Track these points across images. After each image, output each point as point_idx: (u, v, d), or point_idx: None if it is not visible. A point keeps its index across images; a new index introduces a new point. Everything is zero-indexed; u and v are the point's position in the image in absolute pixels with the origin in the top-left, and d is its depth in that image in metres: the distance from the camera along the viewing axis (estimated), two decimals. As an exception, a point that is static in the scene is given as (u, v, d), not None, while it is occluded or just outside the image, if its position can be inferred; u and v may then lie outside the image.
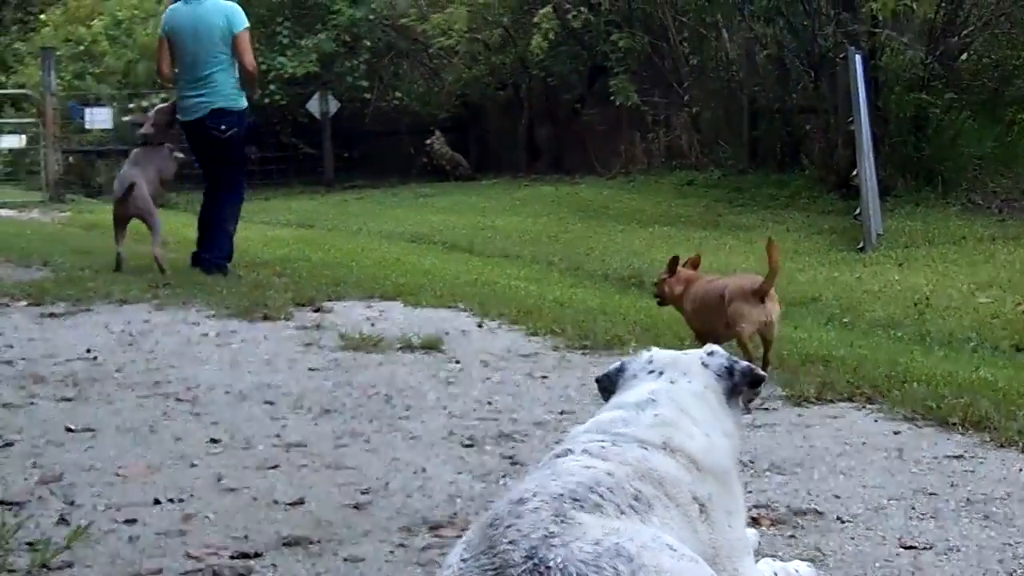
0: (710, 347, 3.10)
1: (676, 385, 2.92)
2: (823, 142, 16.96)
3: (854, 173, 12.75)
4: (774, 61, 18.83)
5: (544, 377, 6.06)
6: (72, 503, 3.96)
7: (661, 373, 2.98)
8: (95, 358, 6.55)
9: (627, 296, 9.95)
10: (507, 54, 25.07)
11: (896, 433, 4.83)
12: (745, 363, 3.03)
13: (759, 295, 5.92)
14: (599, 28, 22.31)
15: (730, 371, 2.97)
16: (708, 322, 6.19)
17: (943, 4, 16.08)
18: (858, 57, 12.74)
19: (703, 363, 2.98)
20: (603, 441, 2.76)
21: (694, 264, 6.61)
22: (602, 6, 22.00)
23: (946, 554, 3.36)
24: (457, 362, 6.48)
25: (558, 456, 2.77)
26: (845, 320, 8.69)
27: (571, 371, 6.19)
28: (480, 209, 18.87)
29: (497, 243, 14.47)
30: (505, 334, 7.39)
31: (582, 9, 21.97)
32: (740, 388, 2.98)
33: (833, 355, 6.35)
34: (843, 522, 3.66)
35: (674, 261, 6.55)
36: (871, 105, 13.70)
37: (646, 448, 2.72)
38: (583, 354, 6.70)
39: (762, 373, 3.05)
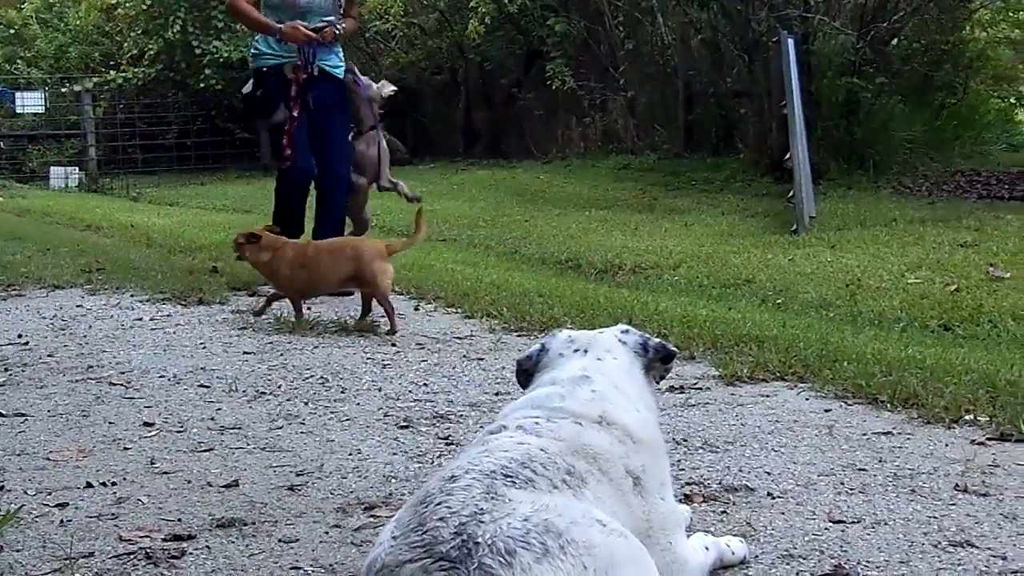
0: (623, 326, 3.14)
1: (604, 362, 2.96)
2: (757, 126, 17.07)
3: (787, 157, 12.84)
4: (709, 45, 18.92)
5: (480, 359, 6.08)
6: (2, 487, 3.93)
7: (586, 351, 3.02)
8: (26, 343, 6.50)
9: (564, 279, 9.99)
10: (444, 38, 25.02)
11: (827, 411, 4.89)
12: (657, 340, 3.09)
13: (389, 255, 6.98)
14: (535, 12, 22.33)
15: (645, 347, 3.04)
16: (320, 278, 7.08)
17: (874, -11, 16.27)
18: (790, 41, 12.82)
19: (621, 340, 3.03)
20: (537, 417, 2.79)
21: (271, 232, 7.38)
22: (540, -9, 22.04)
23: (873, 527, 3.41)
24: (393, 345, 6.49)
25: (492, 433, 2.79)
26: (779, 301, 8.76)
27: (507, 353, 6.21)
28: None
29: (434, 227, 14.38)
30: (441, 317, 7.41)
31: (518, -6, 22.00)
32: (654, 364, 3.04)
33: (766, 335, 6.41)
34: (774, 498, 3.71)
35: (253, 235, 7.22)
36: (804, 89, 13.79)
37: (580, 423, 2.76)
38: (519, 336, 6.72)
39: (673, 349, 3.12)
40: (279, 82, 8.04)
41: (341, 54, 8.45)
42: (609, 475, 2.68)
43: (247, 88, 8.45)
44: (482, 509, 2.34)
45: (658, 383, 3.13)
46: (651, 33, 20.25)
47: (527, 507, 2.36)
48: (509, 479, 2.47)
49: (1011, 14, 19.89)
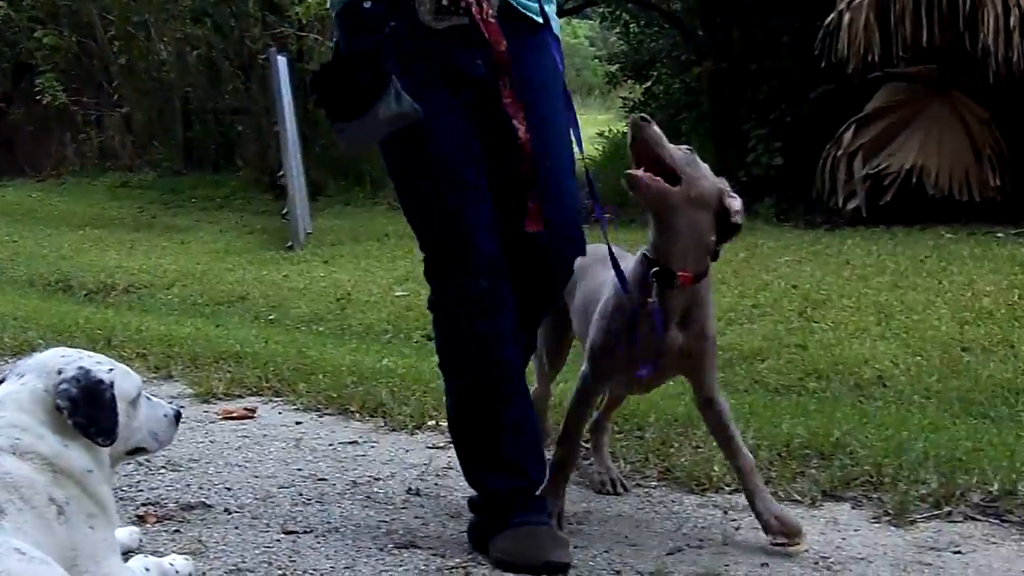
0: (84, 356, 2.93)
1: (25, 387, 2.80)
2: (256, 143, 17.12)
3: (280, 174, 12.95)
4: (205, 62, 18.75)
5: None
6: None
7: (22, 375, 2.87)
8: None
9: (51, 301, 9.59)
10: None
11: (298, 423, 4.97)
12: (66, 384, 2.76)
13: None
14: (22, 24, 21.31)
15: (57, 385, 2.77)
16: None
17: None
18: (281, 59, 12.90)
19: (59, 369, 2.83)
20: (-45, 448, 2.65)
21: None
22: (24, 1, 21.02)
23: (325, 535, 3.48)
24: None
25: (-89, 467, 2.62)
26: (271, 317, 8.80)
27: (-29, 381, 5.87)
28: None
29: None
30: (-99, 346, 6.91)
31: (2, 4, 20.89)
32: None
33: (246, 351, 6.41)
34: (230, 513, 3.71)
35: None
36: (300, 107, 13.94)
37: (-2, 453, 2.64)
38: (-14, 363, 6.38)
39: (70, 399, 2.74)
40: (402, 35, 3.29)
41: None
42: (31, 503, 2.58)
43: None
44: None
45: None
46: (146, 48, 19.80)
47: (-59, 541, 2.24)
48: (-74, 513, 2.34)
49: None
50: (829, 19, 11.54)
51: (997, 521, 3.50)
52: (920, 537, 3.39)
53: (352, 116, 3.24)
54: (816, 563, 3.20)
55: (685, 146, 3.34)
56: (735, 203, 3.30)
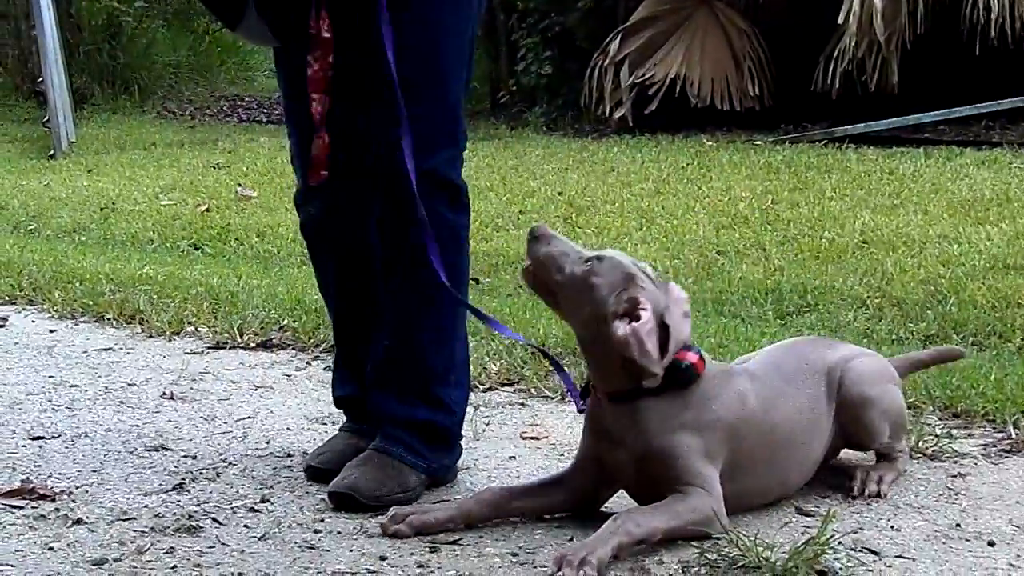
0: None
1: None
2: (16, 49, 16.50)
3: (39, 80, 12.54)
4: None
5: None
6: None
7: None
8: None
9: None
10: None
11: (52, 331, 4.89)
12: None
13: None
14: None
15: None
16: None
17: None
18: (38, -40, 12.40)
19: None
20: None
21: None
22: None
23: (73, 440, 3.44)
24: None
25: None
26: (31, 228, 8.55)
27: None
28: None
29: None
30: None
31: None
32: None
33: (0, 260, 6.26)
34: (-29, 424, 3.63)
35: None
36: (62, 12, 13.47)
37: None
38: None
39: None
40: None
41: None
42: None
43: None
44: None
45: None
46: None
47: None
48: None
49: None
50: (596, -73, 11.70)
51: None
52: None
53: (228, 27, 3.09)
54: (556, 451, 3.32)
55: (596, 255, 2.72)
56: (618, 329, 2.61)
